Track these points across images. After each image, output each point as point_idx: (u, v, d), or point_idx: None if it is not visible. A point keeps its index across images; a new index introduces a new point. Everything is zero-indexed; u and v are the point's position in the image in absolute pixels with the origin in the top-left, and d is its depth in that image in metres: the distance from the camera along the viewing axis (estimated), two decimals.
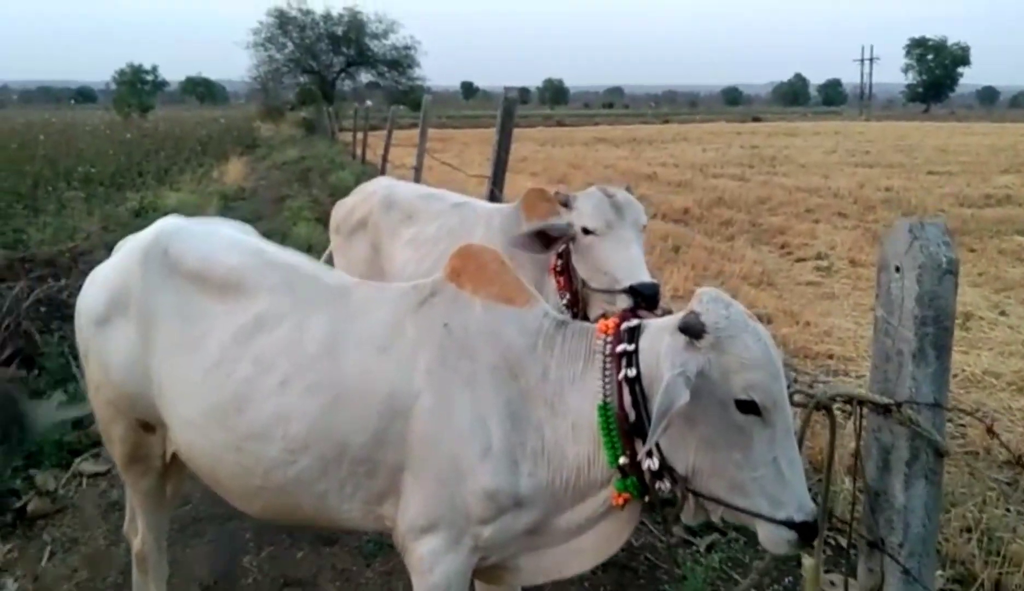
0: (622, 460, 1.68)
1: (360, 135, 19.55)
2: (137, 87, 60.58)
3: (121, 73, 63.03)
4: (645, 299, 2.49)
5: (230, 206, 13.38)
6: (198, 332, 2.02)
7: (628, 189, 2.86)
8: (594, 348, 1.78)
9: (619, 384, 1.69)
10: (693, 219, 11.72)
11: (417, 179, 8.50)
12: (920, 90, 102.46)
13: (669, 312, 2.74)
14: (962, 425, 4.35)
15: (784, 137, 34.16)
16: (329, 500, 1.92)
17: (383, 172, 12.16)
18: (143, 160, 17.96)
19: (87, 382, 2.29)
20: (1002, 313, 6.70)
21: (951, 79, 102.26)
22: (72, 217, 10.21)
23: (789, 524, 1.58)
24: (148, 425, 2.20)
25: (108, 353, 2.15)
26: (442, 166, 9.58)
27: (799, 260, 9.14)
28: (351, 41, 50.94)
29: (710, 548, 3.27)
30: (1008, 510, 3.46)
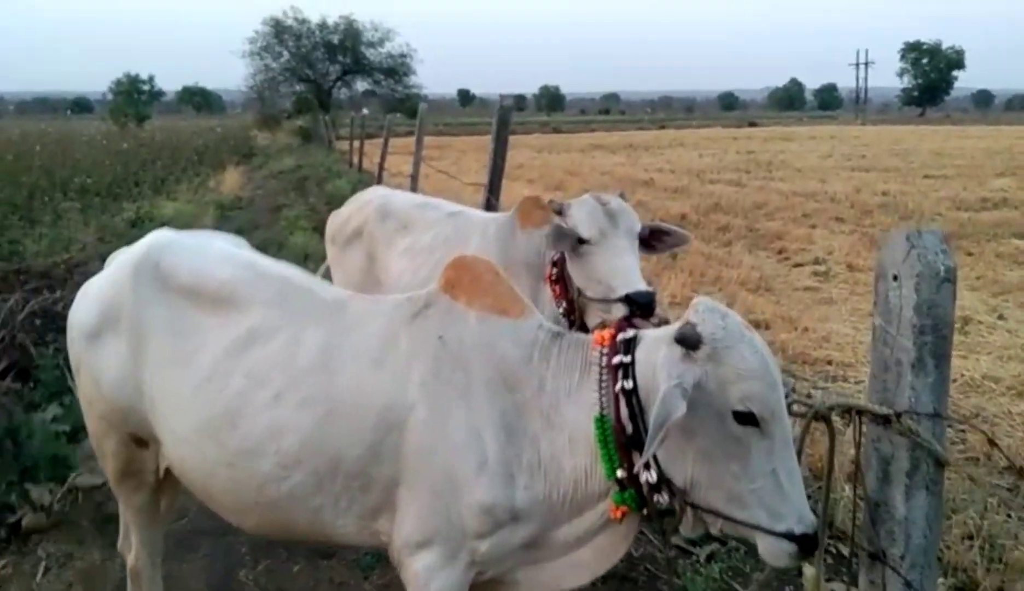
0: (619, 473, 1.67)
1: (357, 143, 19.55)
2: (134, 97, 60.63)
3: (118, 83, 63.09)
4: (640, 307, 2.48)
5: (227, 216, 13.37)
6: (190, 346, 2.01)
7: (622, 196, 2.85)
8: (590, 360, 1.76)
9: (615, 396, 1.67)
10: (690, 225, 11.69)
11: (414, 188, 8.49)
12: (915, 94, 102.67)
13: (665, 320, 2.73)
14: (962, 430, 4.33)
15: (780, 142, 34.21)
16: (324, 515, 1.90)
17: (380, 180, 12.14)
18: (139, 170, 17.94)
19: (79, 396, 2.27)
20: (1000, 317, 6.69)
21: (946, 83, 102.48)
22: (68, 228, 10.18)
23: (789, 536, 1.56)
24: (141, 440, 2.18)
25: (100, 367, 2.13)
26: (438, 174, 9.57)
27: (796, 265, 9.13)
28: (347, 49, 50.93)
29: (710, 558, 3.24)
30: (1009, 516, 3.44)
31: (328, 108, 45.45)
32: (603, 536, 1.80)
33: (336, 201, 7.46)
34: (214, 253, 2.16)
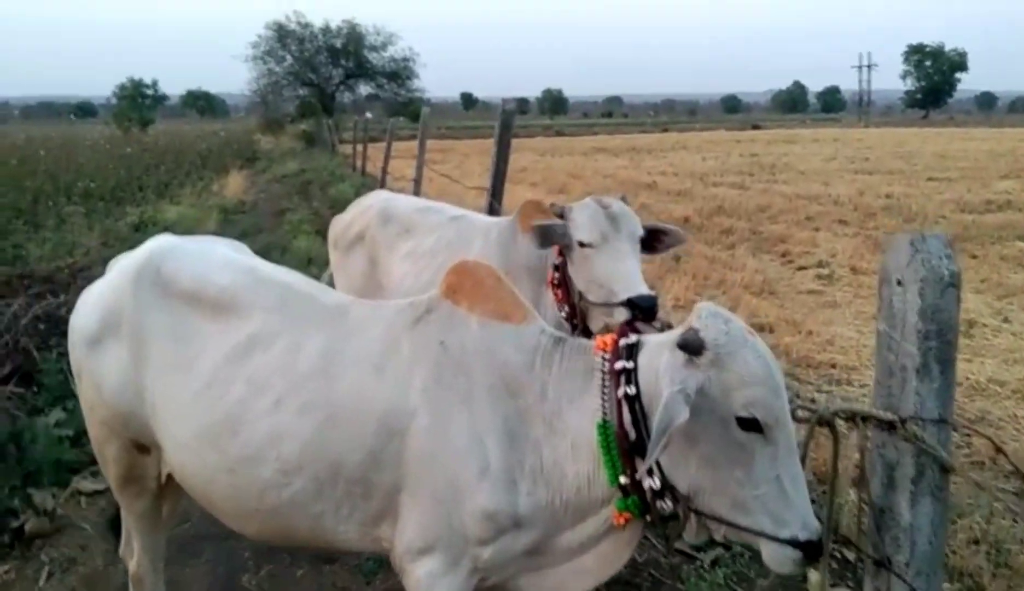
0: (622, 479, 1.66)
1: (360, 147, 19.57)
2: (138, 101, 60.74)
3: (122, 87, 63.23)
4: (642, 311, 2.47)
5: (230, 220, 13.37)
6: (191, 352, 2.00)
7: (623, 199, 2.84)
8: (592, 365, 1.75)
9: (618, 402, 1.66)
10: (693, 228, 11.68)
11: (416, 191, 8.49)
12: (919, 96, 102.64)
13: (668, 325, 2.72)
14: (968, 434, 4.31)
15: (783, 145, 34.17)
16: (325, 522, 1.89)
17: (383, 184, 12.16)
18: (143, 174, 17.97)
19: (81, 402, 2.27)
20: (1005, 320, 6.66)
21: (949, 85, 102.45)
22: (72, 232, 10.20)
23: (793, 543, 1.55)
24: (142, 446, 2.18)
25: (101, 373, 2.13)
26: (442, 178, 9.58)
27: (800, 268, 9.10)
28: (350, 53, 51.08)
29: (715, 563, 3.23)
30: (1016, 521, 3.42)
31: (331, 112, 45.56)
32: (606, 542, 1.80)
33: (339, 205, 7.47)
34: (215, 259, 2.16)
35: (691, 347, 1.55)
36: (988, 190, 15.21)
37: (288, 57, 50.88)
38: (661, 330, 2.40)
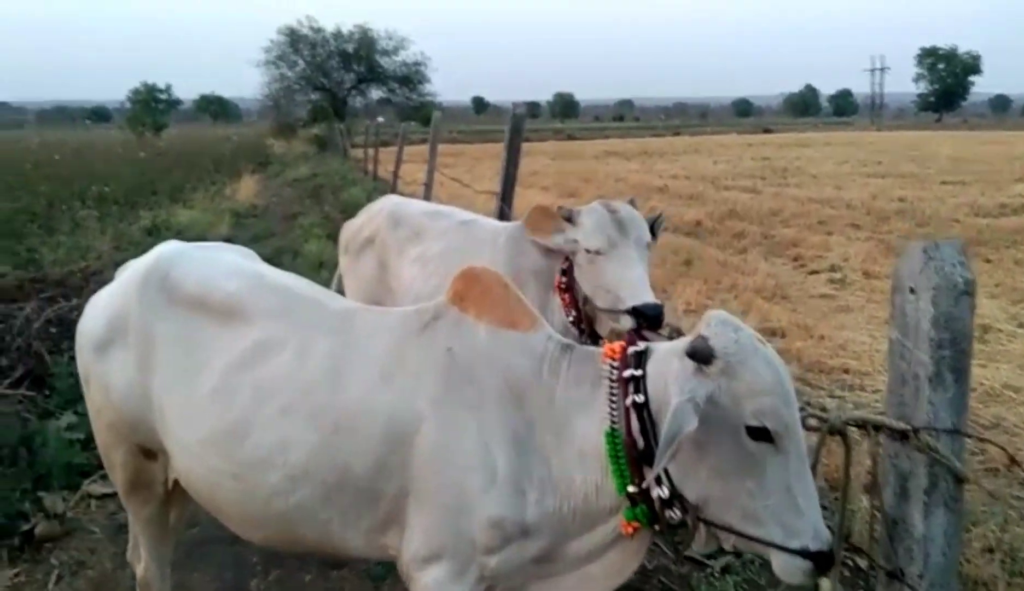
0: (631, 488, 1.64)
1: (371, 151, 19.60)
2: (151, 106, 60.99)
3: (135, 92, 63.52)
4: (648, 320, 2.45)
5: (242, 223, 13.42)
6: (197, 359, 2.00)
7: (632, 202, 2.82)
8: (600, 373, 1.74)
9: (627, 410, 1.65)
10: (705, 232, 11.65)
11: (427, 195, 8.49)
12: (932, 99, 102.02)
13: (678, 330, 2.70)
14: (982, 440, 4.27)
15: (795, 148, 34.05)
16: (331, 529, 1.88)
17: (394, 188, 12.16)
18: (156, 178, 18.07)
19: (88, 407, 2.27)
20: (1020, 325, 6.60)
21: (963, 88, 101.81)
22: (85, 236, 10.25)
23: (804, 553, 1.53)
24: (149, 451, 2.18)
25: (108, 378, 2.13)
26: (453, 182, 9.58)
27: (812, 272, 9.05)
28: (362, 58, 51.26)
29: (725, 570, 3.20)
30: None
31: (343, 116, 45.72)
32: (614, 552, 1.78)
33: (351, 209, 7.49)
34: (222, 265, 2.16)
35: (700, 355, 1.53)
36: (1002, 193, 15.10)
37: (300, 62, 51.10)
38: (670, 337, 2.38)
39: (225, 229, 12.30)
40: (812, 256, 9.75)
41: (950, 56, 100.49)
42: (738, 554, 3.23)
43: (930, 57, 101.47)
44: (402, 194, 8.58)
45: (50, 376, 4.85)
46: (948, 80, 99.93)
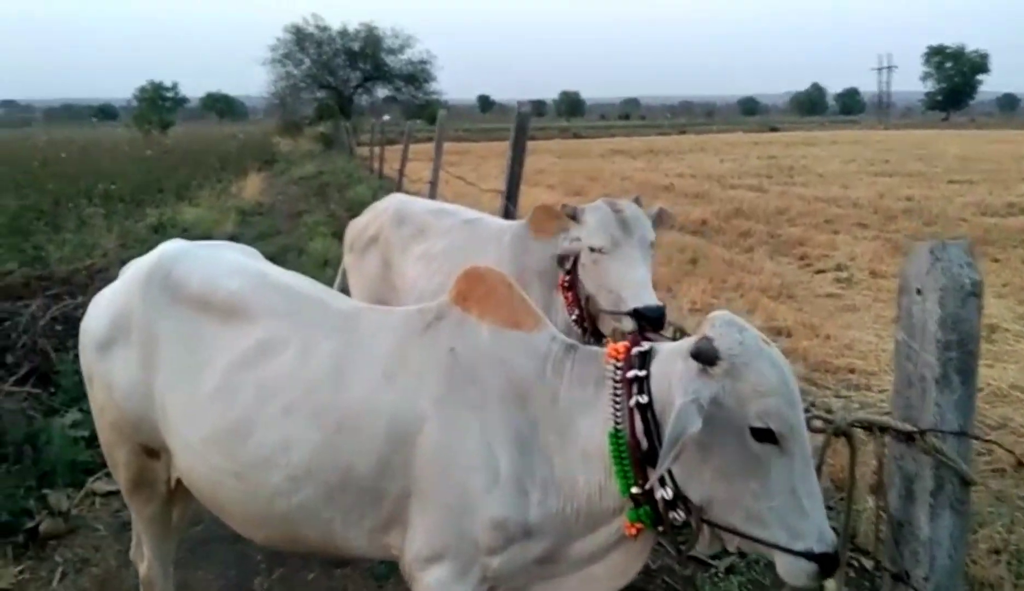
0: (634, 489, 1.63)
1: (377, 150, 19.61)
2: (158, 104, 61.18)
3: (142, 90, 63.71)
4: (649, 322, 2.44)
5: (248, 221, 13.43)
6: (200, 358, 2.00)
7: (637, 201, 2.81)
8: (604, 373, 1.72)
9: (630, 411, 1.64)
10: (711, 230, 11.62)
11: (433, 194, 8.50)
12: (939, 98, 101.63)
13: (681, 330, 2.69)
14: (989, 441, 4.24)
15: (802, 147, 33.94)
16: (334, 529, 1.88)
17: (400, 187, 12.17)
18: (163, 176, 18.11)
19: (91, 405, 2.27)
20: None
21: (970, 87, 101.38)
22: (92, 234, 10.28)
23: (808, 555, 1.52)
24: (152, 450, 2.18)
25: (111, 377, 2.13)
26: (458, 180, 9.58)
27: (819, 271, 9.02)
28: (368, 56, 51.30)
29: (729, 570, 3.19)
30: None
31: (349, 114, 45.74)
32: (617, 553, 1.77)
33: (356, 207, 7.49)
34: (225, 264, 2.15)
35: (705, 356, 1.52)
36: (1010, 192, 15.02)
37: (306, 60, 51.17)
38: (674, 337, 2.37)
39: (231, 227, 12.31)
40: (818, 255, 9.72)
41: (958, 55, 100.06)
42: (743, 554, 3.22)
43: (937, 56, 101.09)
44: (408, 192, 8.58)
45: (55, 373, 4.86)
46: (956, 79, 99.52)
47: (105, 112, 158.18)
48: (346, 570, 3.26)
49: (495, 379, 1.77)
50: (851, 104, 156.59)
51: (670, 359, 1.63)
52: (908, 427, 1.52)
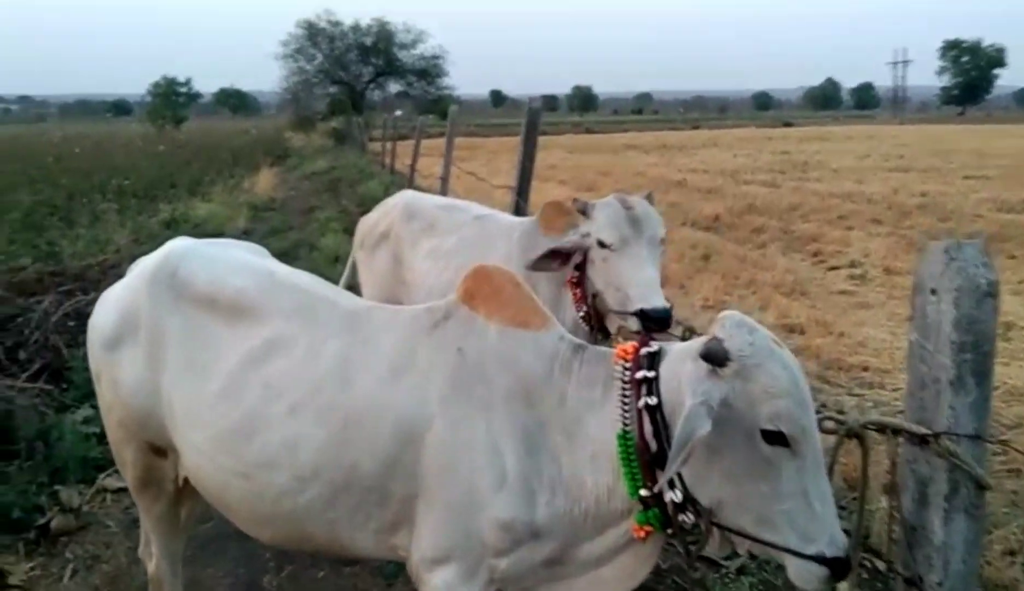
0: (643, 492, 1.61)
1: (389, 145, 19.61)
2: (171, 99, 61.37)
3: (156, 85, 63.89)
4: (655, 323, 2.42)
5: (260, 217, 13.46)
6: (207, 356, 1.99)
7: (649, 197, 2.78)
8: (613, 374, 1.70)
9: (639, 412, 1.62)
10: (724, 226, 11.56)
11: (444, 189, 8.48)
12: (955, 93, 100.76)
13: (691, 330, 2.66)
14: (1004, 441, 4.20)
15: (816, 142, 33.74)
16: (340, 529, 1.87)
17: (411, 182, 12.16)
18: (175, 172, 18.18)
19: (99, 403, 2.27)
20: None
21: (987, 81, 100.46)
22: (105, 229, 10.32)
23: (819, 559, 1.50)
24: (159, 449, 2.17)
25: (118, 375, 2.13)
26: (469, 176, 9.57)
27: (832, 268, 8.95)
28: (380, 51, 51.28)
29: (740, 571, 3.17)
30: None
31: (361, 110, 45.74)
32: (626, 555, 1.75)
33: (368, 203, 7.49)
34: (232, 262, 2.14)
35: (715, 357, 1.50)
36: None
37: (319, 55, 51.19)
38: (684, 337, 2.34)
39: (243, 222, 12.34)
40: (832, 252, 9.65)
41: (974, 49, 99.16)
42: (753, 556, 3.19)
43: (953, 50, 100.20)
44: (419, 188, 8.57)
45: (67, 369, 4.88)
46: (972, 73, 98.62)
47: (119, 108, 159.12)
48: (355, 569, 3.26)
49: (502, 379, 1.75)
50: (866, 99, 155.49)
51: (679, 360, 1.60)
52: (922, 430, 1.49)
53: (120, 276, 2.37)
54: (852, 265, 8.92)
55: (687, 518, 1.60)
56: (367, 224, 3.99)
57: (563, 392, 1.74)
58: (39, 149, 22.64)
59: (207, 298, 2.05)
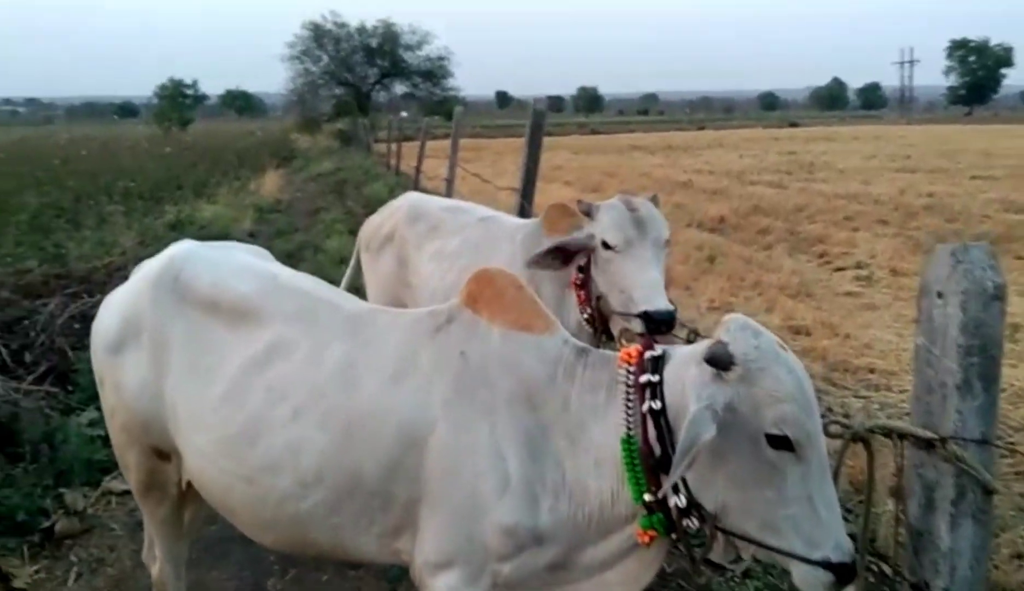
0: (647, 496, 1.60)
1: (394, 146, 19.62)
2: (178, 101, 61.46)
3: (162, 87, 64.00)
4: (659, 325, 2.41)
5: (265, 218, 13.47)
6: (210, 360, 1.99)
7: (655, 199, 2.77)
8: (616, 378, 1.69)
9: (643, 416, 1.60)
10: (729, 227, 11.54)
11: (449, 191, 8.48)
12: (962, 93, 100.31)
13: (696, 332, 2.65)
14: (1011, 442, 4.17)
15: (822, 142, 33.65)
16: (343, 533, 1.87)
17: (416, 183, 12.16)
18: (181, 173, 18.22)
19: (103, 406, 2.27)
20: None
21: (994, 81, 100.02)
22: (111, 231, 10.35)
23: (825, 564, 1.48)
24: (163, 452, 2.17)
25: (122, 379, 2.13)
26: (474, 177, 9.58)
27: (838, 269, 8.92)
28: (385, 53, 51.27)
29: (746, 575, 3.15)
30: None
31: (367, 111, 45.70)
32: (630, 560, 1.74)
33: (373, 204, 7.47)
34: (235, 265, 2.14)
35: (719, 361, 1.48)
36: None
37: (324, 57, 51.20)
38: (688, 340, 2.33)
39: (249, 224, 12.35)
40: (838, 253, 9.62)
41: (981, 48, 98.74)
42: (758, 560, 3.17)
43: (961, 49, 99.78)
44: (424, 189, 8.56)
45: (73, 372, 4.89)
46: (979, 73, 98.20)
47: (126, 109, 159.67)
48: (359, 572, 3.25)
49: (505, 382, 1.75)
50: (872, 99, 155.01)
51: (684, 364, 1.59)
52: (928, 434, 1.48)
53: (126, 278, 2.38)
54: (858, 266, 8.89)
55: (691, 523, 1.59)
56: (371, 226, 3.99)
57: (566, 396, 1.73)
58: (46, 151, 22.75)
59: (210, 302, 2.05)
